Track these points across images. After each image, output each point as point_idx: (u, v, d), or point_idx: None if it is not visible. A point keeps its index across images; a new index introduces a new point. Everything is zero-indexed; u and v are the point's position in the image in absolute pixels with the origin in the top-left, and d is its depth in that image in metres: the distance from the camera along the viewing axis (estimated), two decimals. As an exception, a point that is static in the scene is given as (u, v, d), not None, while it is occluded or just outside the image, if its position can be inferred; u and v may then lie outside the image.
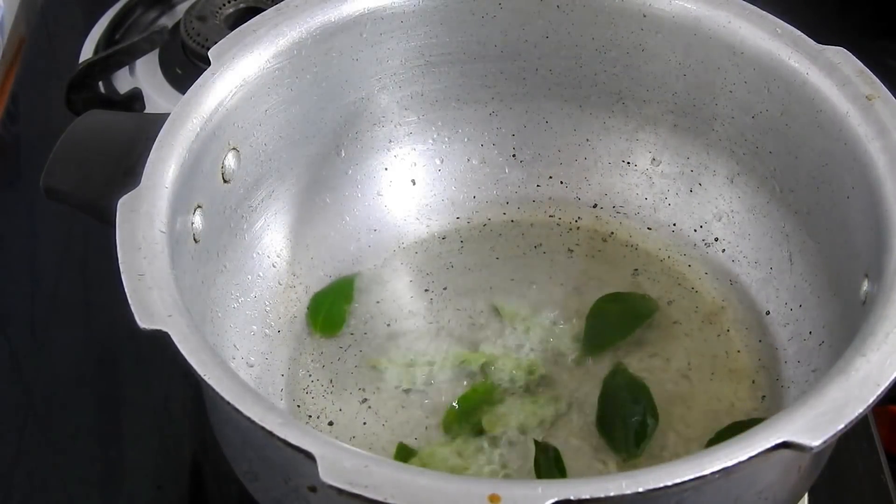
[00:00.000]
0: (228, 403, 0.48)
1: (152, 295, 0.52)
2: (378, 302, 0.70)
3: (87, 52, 0.94)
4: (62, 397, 0.73)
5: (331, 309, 0.69)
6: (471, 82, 0.72)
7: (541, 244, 0.73)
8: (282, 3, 0.66)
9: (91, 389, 0.74)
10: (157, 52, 0.91)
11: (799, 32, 0.64)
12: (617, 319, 0.68)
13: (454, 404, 0.64)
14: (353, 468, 0.45)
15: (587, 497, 0.44)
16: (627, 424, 0.63)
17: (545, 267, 0.72)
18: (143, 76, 0.91)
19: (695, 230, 0.72)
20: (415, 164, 0.74)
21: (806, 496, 0.64)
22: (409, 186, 0.74)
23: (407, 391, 0.66)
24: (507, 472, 0.62)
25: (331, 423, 0.65)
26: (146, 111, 0.88)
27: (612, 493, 0.44)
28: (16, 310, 0.79)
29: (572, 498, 0.44)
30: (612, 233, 0.73)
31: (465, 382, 0.66)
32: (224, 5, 0.91)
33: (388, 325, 0.69)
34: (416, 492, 0.45)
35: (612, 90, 0.71)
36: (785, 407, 0.49)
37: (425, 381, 0.66)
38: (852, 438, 0.69)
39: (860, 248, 0.58)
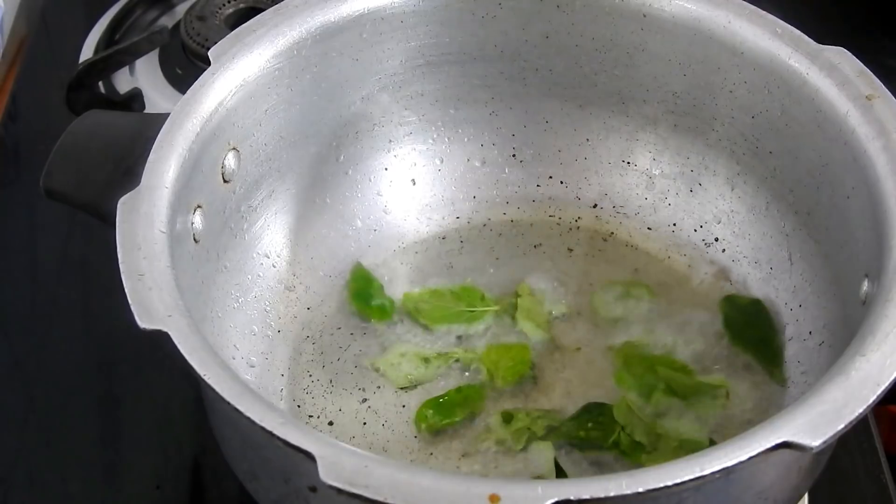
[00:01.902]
0: (228, 403, 0.48)
1: (152, 295, 0.52)
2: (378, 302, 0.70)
3: (87, 52, 0.94)
4: (62, 397, 0.73)
5: (378, 295, 0.70)
6: (471, 82, 0.72)
7: (541, 244, 0.73)
8: (282, 3, 0.66)
9: (91, 389, 0.74)
10: (157, 52, 0.91)
11: (799, 32, 0.64)
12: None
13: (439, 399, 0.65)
14: (353, 468, 0.45)
15: (587, 497, 0.44)
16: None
17: (545, 267, 0.72)
18: (143, 76, 0.91)
19: (695, 230, 0.72)
20: (415, 164, 0.74)
21: (806, 496, 0.64)
22: (409, 186, 0.74)
23: (407, 391, 0.66)
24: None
25: (331, 423, 0.65)
26: (146, 111, 0.88)
27: (612, 493, 0.44)
28: (16, 310, 0.79)
29: (572, 498, 0.44)
30: (612, 233, 0.73)
31: (464, 383, 0.66)
32: (224, 5, 0.91)
33: (388, 325, 0.69)
34: (416, 492, 0.45)
35: (612, 90, 0.71)
36: (785, 407, 0.49)
37: (425, 381, 0.66)
38: (852, 438, 0.69)
39: (860, 248, 0.58)
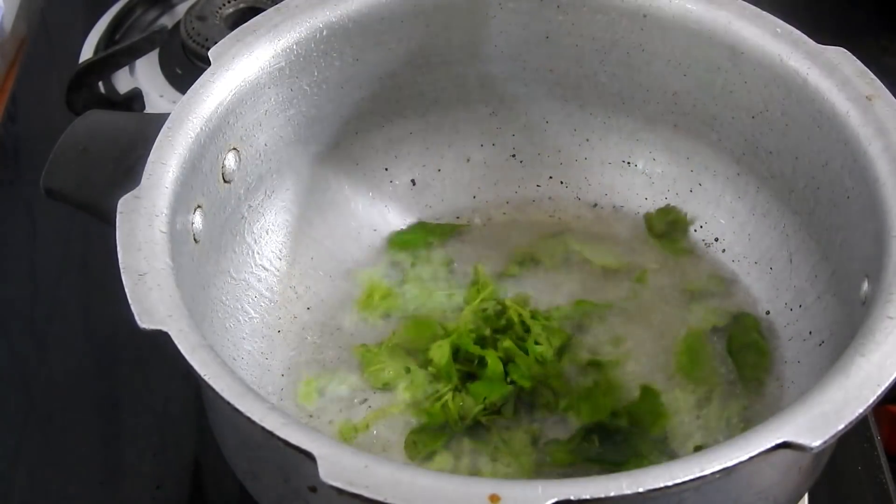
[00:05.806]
0: (228, 403, 0.48)
1: (152, 295, 0.52)
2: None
3: (87, 52, 0.94)
4: (62, 397, 0.73)
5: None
6: (471, 82, 0.72)
7: (541, 244, 0.73)
8: (282, 3, 0.66)
9: (91, 389, 0.75)
10: (157, 52, 0.91)
11: (799, 32, 0.64)
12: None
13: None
14: (353, 468, 0.45)
15: (587, 497, 0.44)
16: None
17: (545, 267, 0.72)
18: (143, 76, 0.91)
19: (695, 230, 0.72)
20: (415, 164, 0.74)
21: (806, 496, 0.64)
22: (409, 186, 0.74)
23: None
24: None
25: (331, 423, 0.65)
26: (146, 111, 0.88)
27: (612, 493, 0.44)
28: (16, 310, 0.79)
29: (572, 498, 0.44)
30: (613, 233, 0.73)
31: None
32: (224, 5, 0.91)
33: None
34: (416, 492, 0.45)
35: (612, 90, 0.71)
36: (785, 407, 0.49)
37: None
38: (852, 438, 0.69)
39: (860, 249, 0.58)
